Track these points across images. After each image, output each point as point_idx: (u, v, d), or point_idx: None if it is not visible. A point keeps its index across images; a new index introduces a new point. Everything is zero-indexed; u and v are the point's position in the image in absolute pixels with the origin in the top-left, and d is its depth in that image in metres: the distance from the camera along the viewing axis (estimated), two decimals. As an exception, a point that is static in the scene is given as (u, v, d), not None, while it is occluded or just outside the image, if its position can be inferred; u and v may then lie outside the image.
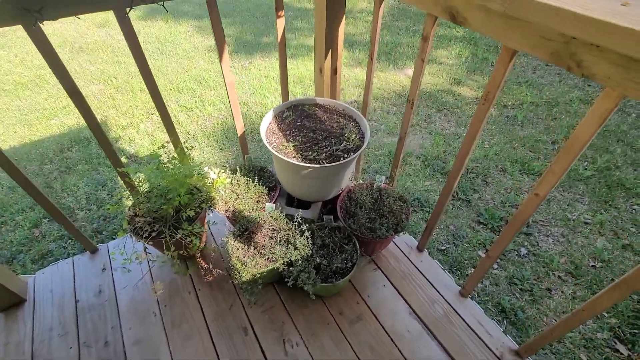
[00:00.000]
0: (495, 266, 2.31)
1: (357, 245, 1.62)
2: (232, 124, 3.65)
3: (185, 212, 1.55)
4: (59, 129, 3.62)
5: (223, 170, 1.83)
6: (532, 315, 2.03)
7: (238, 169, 1.88)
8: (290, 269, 1.50)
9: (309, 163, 1.48)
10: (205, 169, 1.74)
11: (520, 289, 2.16)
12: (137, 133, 3.52)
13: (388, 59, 4.77)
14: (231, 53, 4.98)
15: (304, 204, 1.89)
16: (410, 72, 4.48)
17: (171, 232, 1.54)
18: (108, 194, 2.82)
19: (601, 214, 2.62)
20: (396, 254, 1.88)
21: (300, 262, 1.49)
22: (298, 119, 1.76)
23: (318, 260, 1.53)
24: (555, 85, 4.19)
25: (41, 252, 2.41)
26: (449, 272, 1.89)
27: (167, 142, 1.69)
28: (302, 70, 4.54)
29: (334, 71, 1.71)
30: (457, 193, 2.79)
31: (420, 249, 1.91)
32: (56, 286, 1.78)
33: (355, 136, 1.63)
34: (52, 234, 2.53)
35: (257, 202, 1.79)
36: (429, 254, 1.90)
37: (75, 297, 1.73)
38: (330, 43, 1.60)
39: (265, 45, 5.17)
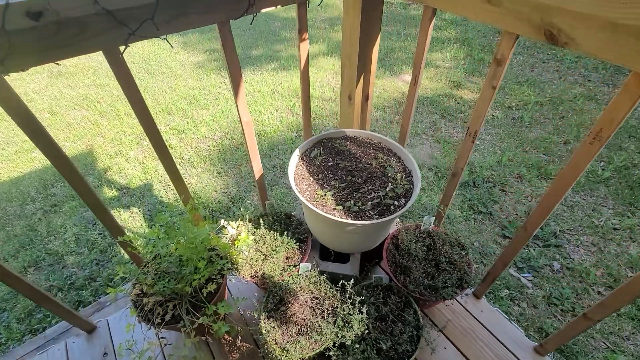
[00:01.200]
0: (530, 285, 2.14)
1: (418, 311, 1.35)
2: (228, 145, 3.43)
3: (207, 288, 1.27)
4: (40, 162, 3.35)
5: (242, 222, 1.58)
6: (580, 340, 1.87)
7: (261, 221, 1.59)
8: (344, 355, 1.21)
9: (354, 217, 1.25)
10: (222, 222, 1.50)
11: (562, 310, 2.00)
12: (127, 162, 3.27)
13: (383, 65, 4.64)
14: (220, 68, 4.78)
15: (341, 256, 1.64)
16: (407, 77, 4.36)
17: (190, 317, 1.23)
18: (100, 234, 2.57)
19: (629, 217, 2.49)
20: (452, 305, 1.64)
21: (357, 344, 1.21)
22: (329, 157, 1.53)
23: (376, 337, 1.26)
24: (556, 83, 4.11)
25: (27, 308, 2.14)
26: (514, 321, 1.70)
27: (177, 200, 1.46)
28: (297, 82, 4.36)
29: (366, 98, 1.50)
30: (477, 206, 2.64)
31: (477, 295, 1.67)
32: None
33: (402, 176, 1.40)
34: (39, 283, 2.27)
35: (286, 258, 1.53)
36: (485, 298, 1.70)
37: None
38: (363, 65, 1.38)
39: (255, 59, 4.99)
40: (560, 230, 2.44)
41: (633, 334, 1.89)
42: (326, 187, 1.39)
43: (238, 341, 1.50)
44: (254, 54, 5.10)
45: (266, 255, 1.49)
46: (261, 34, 5.65)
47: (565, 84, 4.09)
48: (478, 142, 3.31)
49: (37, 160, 3.38)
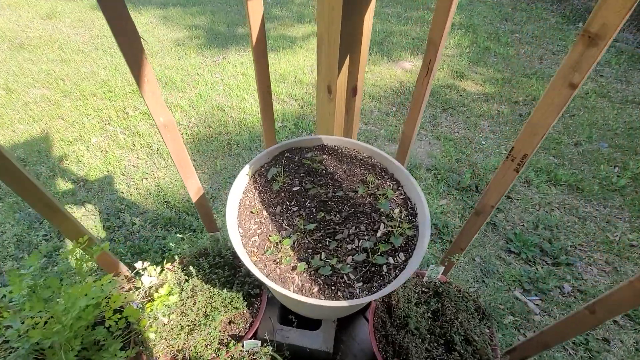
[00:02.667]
0: (537, 310, 1.88)
1: None
2: (204, 134, 3.06)
3: None
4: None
5: (170, 265, 1.16)
6: (594, 381, 1.62)
7: (193, 271, 1.14)
8: None
9: (324, 284, 0.89)
10: (138, 266, 1.08)
11: (573, 342, 1.74)
12: (88, 149, 2.89)
13: (381, 50, 4.25)
14: (202, 47, 4.33)
15: (309, 320, 1.24)
16: (407, 65, 3.99)
17: None
18: (45, 235, 2.22)
19: (646, 232, 2.23)
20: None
21: None
22: (295, 179, 1.12)
23: None
24: (566, 77, 3.79)
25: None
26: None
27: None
28: (285, 66, 3.96)
29: (353, 91, 1.09)
30: (479, 214, 2.34)
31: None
32: None
33: (401, 212, 1.01)
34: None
35: (230, 323, 1.14)
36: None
37: None
38: (348, 45, 0.99)
39: (241, 38, 4.55)
40: (571, 246, 2.17)
41: (654, 373, 1.65)
42: (286, 229, 0.99)
43: None
44: (240, 32, 4.65)
45: (195, 324, 1.07)
46: (249, 10, 5.16)
47: (576, 78, 3.76)
48: (482, 142, 3.00)
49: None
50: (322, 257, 0.95)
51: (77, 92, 3.55)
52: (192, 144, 2.95)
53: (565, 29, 4.68)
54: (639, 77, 3.77)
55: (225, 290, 1.13)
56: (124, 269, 1.34)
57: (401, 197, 1.08)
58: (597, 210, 2.40)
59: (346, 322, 1.28)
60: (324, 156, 1.21)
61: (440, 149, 2.90)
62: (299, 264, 0.94)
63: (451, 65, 3.98)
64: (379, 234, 0.99)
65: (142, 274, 1.03)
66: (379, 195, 1.07)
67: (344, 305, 0.84)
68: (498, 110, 3.36)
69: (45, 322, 0.82)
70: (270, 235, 0.99)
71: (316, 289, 0.89)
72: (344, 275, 0.91)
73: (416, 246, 0.96)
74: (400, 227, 0.98)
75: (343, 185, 1.11)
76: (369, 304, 1.16)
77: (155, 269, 1.05)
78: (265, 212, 1.05)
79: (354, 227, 1.00)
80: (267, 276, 0.91)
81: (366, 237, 0.98)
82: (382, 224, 1.00)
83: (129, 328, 0.96)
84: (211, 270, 1.19)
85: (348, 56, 1.01)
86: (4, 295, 0.85)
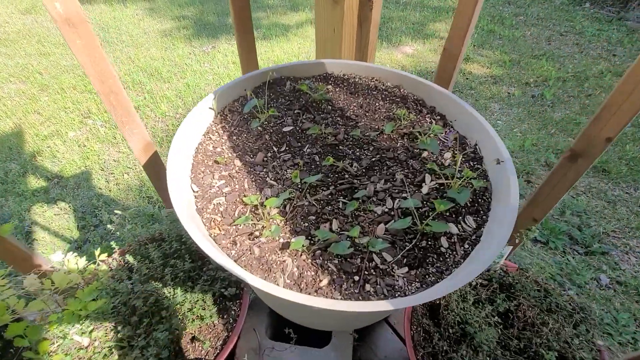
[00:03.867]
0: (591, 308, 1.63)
1: None
2: (192, 124, 2.81)
3: None
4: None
5: (106, 255, 0.85)
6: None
7: (134, 263, 0.84)
8: None
9: (339, 272, 0.59)
10: (54, 258, 0.76)
11: (619, 343, 1.50)
12: (64, 144, 2.63)
13: (380, 35, 4.02)
14: (190, 37, 4.09)
15: (314, 333, 0.91)
16: (408, 49, 3.76)
17: None
18: (11, 238, 1.96)
19: (685, 216, 2.00)
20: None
21: None
22: (286, 116, 0.83)
23: None
24: (577, 57, 3.57)
25: None
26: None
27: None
28: (279, 53, 3.73)
29: None
30: (498, 201, 2.11)
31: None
32: None
33: (454, 155, 0.73)
34: None
35: (192, 342, 0.83)
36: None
37: None
38: None
39: (231, 27, 4.30)
40: (603, 232, 1.94)
41: None
42: (272, 185, 0.70)
43: None
44: (230, 22, 4.40)
45: (131, 345, 0.73)
46: None
47: (587, 58, 3.55)
48: (494, 124, 2.76)
49: (-49, 141, 2.71)
50: (334, 226, 0.64)
51: (55, 85, 3.30)
52: (179, 136, 2.71)
53: (572, 10, 4.47)
54: None
55: (182, 291, 0.81)
56: (46, 264, 1.04)
57: (451, 135, 0.78)
58: (627, 193, 2.17)
59: (365, 332, 0.96)
60: (329, 87, 0.89)
61: (450, 133, 2.66)
62: (293, 239, 0.63)
63: (455, 48, 3.75)
64: (424, 190, 0.68)
65: (60, 269, 0.76)
66: (418, 133, 0.77)
67: (380, 310, 0.51)
68: (508, 92, 3.13)
69: None
70: (244, 195, 0.69)
71: (325, 281, 0.59)
72: (375, 256, 0.61)
73: (492, 204, 0.66)
74: (461, 177, 0.67)
75: (360, 123, 0.80)
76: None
77: (77, 262, 0.78)
78: (238, 162, 0.76)
79: (382, 181, 0.70)
80: (235, 260, 0.61)
81: (405, 195, 0.66)
82: (426, 174, 0.71)
83: (17, 356, 0.66)
84: (165, 262, 0.87)
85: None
86: None
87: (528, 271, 0.91)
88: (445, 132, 0.81)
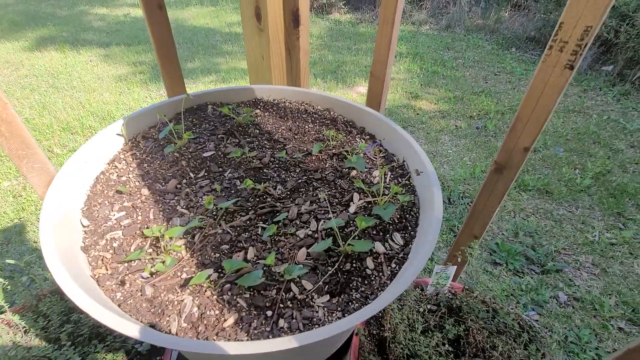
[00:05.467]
0: (538, 326, 1.65)
1: None
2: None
3: None
4: None
5: None
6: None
7: (21, 324, 0.73)
8: None
9: (249, 308, 0.55)
10: None
11: (585, 360, 1.51)
12: (-4, 195, 2.38)
13: (335, 77, 4.26)
14: (147, 81, 4.06)
15: None
16: (361, 89, 3.99)
17: None
18: None
19: (621, 229, 2.17)
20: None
21: None
22: (208, 141, 0.81)
23: None
24: (511, 93, 3.99)
25: None
26: None
27: None
28: (238, 95, 3.78)
29: (294, 18, 0.82)
30: (457, 227, 2.16)
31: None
32: None
33: (384, 173, 0.74)
34: None
35: None
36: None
37: None
38: None
39: (190, 71, 4.35)
40: (555, 250, 2.03)
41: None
42: (182, 213, 0.65)
43: None
44: (190, 67, 4.47)
45: None
46: (199, 47, 5.06)
47: (520, 93, 3.97)
48: (445, 154, 2.93)
49: None
50: (250, 254, 0.60)
51: (-9, 133, 3.05)
52: (131, 180, 2.56)
53: (502, 54, 5.06)
54: (572, 90, 4.06)
55: (81, 354, 0.67)
56: None
57: (381, 154, 0.79)
58: (569, 212, 2.33)
59: None
60: (257, 111, 0.89)
61: (406, 165, 2.77)
62: (197, 273, 0.57)
63: (404, 87, 4.04)
64: (352, 209, 0.66)
65: None
66: (347, 152, 0.77)
67: (290, 348, 0.45)
68: (456, 125, 3.37)
69: None
70: (147, 227, 0.63)
71: (232, 320, 0.53)
72: (293, 285, 0.56)
73: (420, 218, 0.65)
74: (388, 192, 0.67)
75: (287, 146, 0.79)
76: (347, 341, 0.80)
77: None
78: (145, 191, 0.70)
79: (308, 203, 0.67)
80: (120, 304, 0.54)
81: (331, 216, 0.65)
82: (354, 193, 0.70)
83: None
84: (67, 319, 0.74)
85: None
86: None
87: (474, 291, 0.91)
88: (368, 144, 0.83)
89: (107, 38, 5.33)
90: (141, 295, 0.56)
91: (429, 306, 0.80)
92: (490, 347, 0.74)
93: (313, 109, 0.93)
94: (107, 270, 0.59)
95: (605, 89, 3.98)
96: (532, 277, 1.88)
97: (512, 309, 1.72)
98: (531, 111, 0.86)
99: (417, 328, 0.71)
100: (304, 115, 0.90)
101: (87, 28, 5.68)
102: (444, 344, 0.72)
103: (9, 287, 0.87)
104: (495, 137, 3.19)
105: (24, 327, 0.74)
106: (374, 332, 0.80)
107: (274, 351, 0.45)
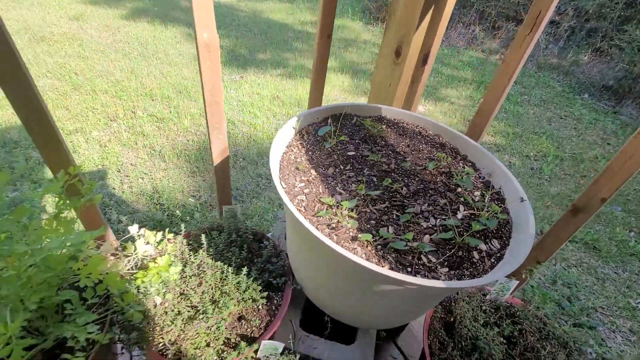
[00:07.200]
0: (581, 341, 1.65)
1: None
2: (211, 143, 2.95)
3: None
4: (-19, 125, 2.79)
5: (172, 237, 0.97)
6: None
7: (204, 240, 0.96)
8: None
9: (396, 262, 0.73)
10: (132, 230, 0.87)
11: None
12: (86, 141, 2.74)
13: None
14: (221, 64, 4.38)
15: (342, 329, 1.02)
16: (421, 108, 4.04)
17: None
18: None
19: (670, 303, 2.07)
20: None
21: None
22: (350, 142, 1.00)
23: None
24: (575, 140, 3.85)
25: None
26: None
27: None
28: (301, 92, 3.99)
29: (424, 59, 0.99)
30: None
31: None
32: None
33: (482, 194, 0.90)
34: None
35: (240, 319, 0.92)
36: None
37: None
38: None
39: (260, 62, 4.64)
40: (592, 307, 1.99)
41: None
42: (340, 193, 0.85)
43: None
44: (260, 57, 4.76)
45: (198, 311, 0.85)
46: (272, 40, 5.36)
47: (584, 142, 3.83)
48: (494, 188, 2.92)
49: (-21, 122, 2.81)
50: (390, 231, 0.79)
51: (88, 87, 3.49)
52: (197, 152, 2.83)
53: (572, 98, 4.87)
54: None
55: (240, 275, 0.92)
56: (111, 236, 1.14)
57: (480, 180, 0.95)
58: (616, 273, 2.26)
59: (383, 341, 1.08)
60: (383, 127, 1.06)
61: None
62: (360, 235, 0.77)
63: (463, 114, 4.04)
64: (459, 216, 0.84)
65: (138, 239, 0.83)
66: (455, 173, 0.94)
67: (439, 287, 0.65)
68: (509, 162, 3.33)
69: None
70: (321, 197, 0.84)
71: (387, 267, 0.72)
72: (423, 256, 0.75)
73: (512, 232, 0.83)
74: (487, 210, 0.84)
75: (407, 158, 0.97)
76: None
77: (154, 235, 0.86)
78: (313, 172, 0.90)
79: (426, 204, 0.85)
80: (324, 239, 0.73)
81: (445, 217, 0.83)
82: (460, 205, 0.87)
83: (106, 305, 0.75)
84: (225, 248, 0.99)
85: (431, 10, 0.86)
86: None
87: (528, 305, 1.01)
88: (477, 174, 0.95)
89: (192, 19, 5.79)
90: (330, 239, 0.78)
91: (489, 308, 0.91)
92: (540, 347, 0.90)
93: (425, 132, 1.12)
94: (305, 218, 0.80)
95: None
96: (562, 327, 1.87)
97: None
98: (621, 165, 0.92)
99: (480, 320, 0.84)
100: (418, 137, 1.09)
101: (176, 7, 6.20)
102: (499, 337, 0.90)
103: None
104: (549, 182, 3.12)
105: (198, 246, 1.00)
106: (442, 316, 0.98)
107: (417, 286, 0.66)
